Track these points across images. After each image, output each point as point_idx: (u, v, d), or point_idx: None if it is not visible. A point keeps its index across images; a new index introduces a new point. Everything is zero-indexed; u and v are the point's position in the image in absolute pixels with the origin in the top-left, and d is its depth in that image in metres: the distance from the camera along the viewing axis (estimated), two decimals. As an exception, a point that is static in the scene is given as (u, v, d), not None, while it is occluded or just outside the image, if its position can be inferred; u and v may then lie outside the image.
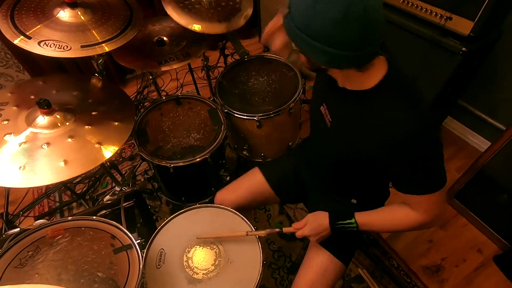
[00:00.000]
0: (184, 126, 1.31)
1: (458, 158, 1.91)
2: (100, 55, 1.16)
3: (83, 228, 0.77)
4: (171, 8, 1.26)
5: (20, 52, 1.91)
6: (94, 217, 0.82)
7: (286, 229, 0.93)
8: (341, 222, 0.84)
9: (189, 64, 1.82)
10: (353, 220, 0.83)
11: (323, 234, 0.87)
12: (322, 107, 0.86)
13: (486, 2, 1.23)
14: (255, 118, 1.34)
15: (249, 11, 1.40)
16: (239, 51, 1.51)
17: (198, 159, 1.19)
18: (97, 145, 0.89)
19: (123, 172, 1.86)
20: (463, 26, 1.34)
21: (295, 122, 1.54)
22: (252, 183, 1.15)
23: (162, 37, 1.35)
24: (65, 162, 0.83)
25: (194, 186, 1.41)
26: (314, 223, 0.87)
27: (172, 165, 1.18)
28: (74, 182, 1.82)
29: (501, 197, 1.45)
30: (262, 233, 0.92)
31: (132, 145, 2.03)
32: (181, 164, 1.19)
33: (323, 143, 0.91)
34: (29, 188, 1.86)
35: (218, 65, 1.94)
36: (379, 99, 0.69)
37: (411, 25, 1.53)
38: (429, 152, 0.68)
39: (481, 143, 1.89)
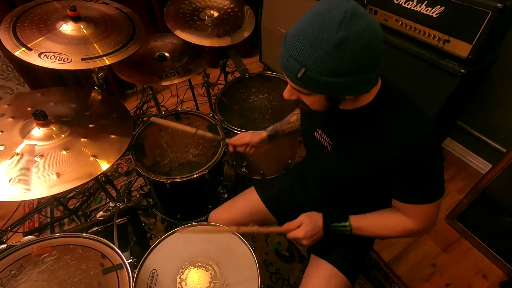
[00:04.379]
0: (183, 141, 1.29)
1: (458, 179, 1.89)
2: (100, 69, 1.16)
3: (71, 246, 0.73)
4: (174, 25, 1.28)
5: (21, 64, 1.93)
6: (84, 234, 0.78)
7: (275, 229, 0.89)
8: (335, 224, 0.82)
9: (189, 81, 1.83)
10: (347, 223, 0.80)
11: (317, 236, 0.83)
12: (316, 132, 0.85)
13: (483, 25, 1.25)
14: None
15: (251, 28, 1.42)
16: (239, 68, 1.52)
17: (195, 175, 1.17)
18: (92, 158, 0.86)
19: (118, 188, 1.82)
20: (461, 48, 1.36)
21: (294, 140, 1.53)
22: (247, 202, 1.11)
23: (163, 52, 1.36)
24: (58, 175, 0.80)
25: (190, 203, 1.37)
26: (309, 225, 0.82)
27: (168, 181, 1.15)
28: (67, 197, 1.78)
29: (505, 220, 1.42)
30: (252, 229, 0.92)
31: (129, 160, 2.00)
32: (178, 180, 1.16)
33: (324, 167, 0.87)
34: (20, 202, 1.81)
35: (219, 82, 1.95)
36: (378, 113, 0.69)
37: (410, 47, 1.55)
38: (433, 162, 0.68)
39: (481, 165, 1.88)
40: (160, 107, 1.86)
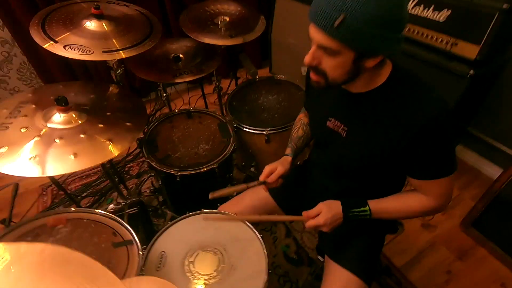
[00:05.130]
0: (194, 137, 1.32)
1: (473, 187, 1.85)
2: (118, 67, 1.22)
3: (85, 220, 0.75)
4: (189, 29, 1.36)
5: (39, 62, 2.03)
6: (97, 210, 0.80)
7: (294, 217, 0.89)
8: (354, 209, 0.81)
9: (202, 89, 1.90)
10: (367, 208, 0.80)
11: (337, 223, 0.82)
12: (329, 122, 0.85)
13: (490, 26, 1.27)
14: (263, 132, 1.35)
15: (262, 28, 1.48)
16: (250, 71, 1.57)
17: (205, 169, 1.19)
18: (107, 142, 0.90)
19: (130, 188, 1.85)
20: (469, 50, 1.38)
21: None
22: (255, 196, 1.12)
23: (178, 54, 1.42)
24: (75, 155, 0.84)
25: (199, 199, 1.38)
26: (329, 213, 0.81)
27: (179, 173, 1.17)
28: (80, 196, 1.82)
29: (522, 226, 1.37)
30: (270, 217, 0.95)
31: (141, 163, 2.04)
32: (188, 172, 1.18)
33: (340, 154, 0.86)
34: (34, 202, 1.85)
35: (230, 89, 2.01)
36: (392, 93, 0.71)
37: (419, 52, 1.57)
38: (449, 135, 0.70)
39: (495, 172, 1.84)
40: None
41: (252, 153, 1.48)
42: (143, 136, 1.31)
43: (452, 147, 0.74)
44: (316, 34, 0.62)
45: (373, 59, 0.64)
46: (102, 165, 1.10)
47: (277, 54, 2.74)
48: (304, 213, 0.84)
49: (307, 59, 0.67)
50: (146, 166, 1.95)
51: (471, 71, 1.39)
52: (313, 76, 0.71)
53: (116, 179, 1.55)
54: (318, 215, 0.82)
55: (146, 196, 1.73)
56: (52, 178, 1.16)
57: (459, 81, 1.45)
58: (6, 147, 0.82)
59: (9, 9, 1.78)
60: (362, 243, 0.94)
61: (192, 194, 1.33)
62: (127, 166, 2.05)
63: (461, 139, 1.96)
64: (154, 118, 1.82)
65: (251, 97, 1.55)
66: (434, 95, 0.68)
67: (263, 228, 1.65)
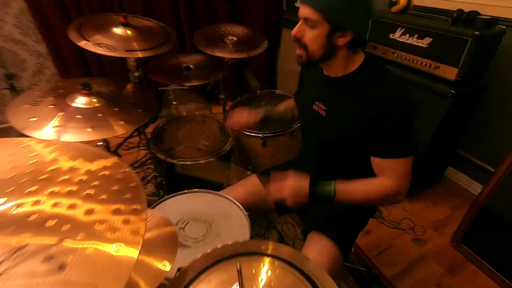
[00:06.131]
0: (196, 135, 1.46)
1: (465, 208, 1.85)
2: (136, 70, 1.41)
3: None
4: (202, 45, 1.57)
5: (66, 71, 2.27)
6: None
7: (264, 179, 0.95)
8: (320, 186, 0.88)
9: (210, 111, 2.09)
10: (332, 186, 0.87)
11: (301, 197, 0.88)
12: (314, 105, 0.99)
13: (465, 51, 1.43)
14: (260, 135, 1.48)
15: (265, 45, 1.68)
16: (252, 84, 1.74)
17: (202, 161, 1.31)
18: (121, 122, 1.04)
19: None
20: (449, 72, 1.53)
21: (297, 146, 1.66)
22: (248, 184, 1.21)
23: (189, 64, 1.62)
24: (93, 128, 0.98)
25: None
26: (295, 181, 0.88)
27: (180, 163, 1.29)
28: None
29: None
30: None
31: (145, 169, 2.16)
32: (188, 163, 1.30)
33: (319, 132, 0.98)
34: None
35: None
36: (364, 75, 0.85)
37: (407, 75, 1.73)
38: (406, 117, 0.81)
39: (487, 193, 1.88)
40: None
41: (249, 156, 1.60)
42: (152, 131, 1.46)
43: (409, 131, 0.83)
44: (303, 9, 0.80)
45: (343, 37, 0.80)
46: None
47: (283, 80, 2.96)
48: (273, 173, 0.91)
49: (294, 31, 0.83)
50: (151, 168, 2.06)
51: (452, 91, 1.53)
52: (297, 51, 0.86)
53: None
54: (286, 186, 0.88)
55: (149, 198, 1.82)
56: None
57: (442, 100, 1.58)
58: (37, 118, 0.97)
59: (45, 18, 2.07)
60: (345, 220, 1.02)
61: (191, 183, 1.43)
62: (135, 171, 2.17)
63: (452, 160, 2.04)
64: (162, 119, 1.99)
65: (251, 107, 1.70)
66: (397, 81, 0.82)
67: (256, 233, 1.70)
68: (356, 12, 0.78)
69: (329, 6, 0.76)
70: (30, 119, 0.97)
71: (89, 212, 0.39)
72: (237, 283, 0.51)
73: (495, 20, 1.49)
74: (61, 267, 0.31)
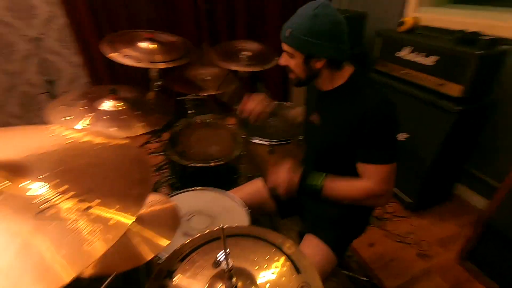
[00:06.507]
0: (208, 140, 1.58)
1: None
2: (156, 81, 1.57)
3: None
4: (218, 60, 1.72)
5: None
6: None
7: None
8: (310, 178, 0.98)
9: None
10: (320, 179, 0.97)
11: (292, 186, 1.00)
12: (312, 116, 1.09)
13: (470, 68, 1.48)
14: (268, 143, 1.58)
15: (275, 61, 1.80)
16: (264, 96, 1.85)
17: (212, 164, 1.41)
18: (142, 123, 1.18)
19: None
20: (455, 90, 1.58)
21: (302, 155, 1.74)
22: (253, 186, 1.31)
23: (206, 77, 1.76)
24: (117, 127, 1.12)
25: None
26: (288, 175, 1.00)
27: (190, 164, 1.40)
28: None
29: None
30: None
31: (161, 173, 2.30)
32: (198, 165, 1.41)
33: (314, 140, 1.11)
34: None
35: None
36: (350, 91, 0.94)
37: (412, 91, 1.79)
38: (387, 123, 0.89)
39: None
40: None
41: (257, 164, 1.69)
42: (169, 135, 1.60)
43: (390, 139, 0.91)
44: (282, 45, 0.95)
45: (318, 61, 0.91)
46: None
47: (296, 91, 3.08)
48: (271, 163, 1.07)
49: (281, 60, 0.99)
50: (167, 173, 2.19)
51: (457, 107, 1.56)
52: (289, 74, 0.99)
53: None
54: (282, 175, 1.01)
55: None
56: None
57: (447, 116, 1.62)
58: (72, 116, 1.13)
59: (82, 33, 2.32)
60: (340, 223, 1.08)
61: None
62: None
63: (462, 178, 2.03)
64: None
65: (262, 117, 1.81)
66: (378, 93, 0.90)
67: (254, 209, 1.77)
68: (323, 41, 0.87)
69: (299, 42, 0.89)
70: (64, 118, 1.12)
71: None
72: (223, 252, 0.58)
73: (497, 41, 1.53)
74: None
